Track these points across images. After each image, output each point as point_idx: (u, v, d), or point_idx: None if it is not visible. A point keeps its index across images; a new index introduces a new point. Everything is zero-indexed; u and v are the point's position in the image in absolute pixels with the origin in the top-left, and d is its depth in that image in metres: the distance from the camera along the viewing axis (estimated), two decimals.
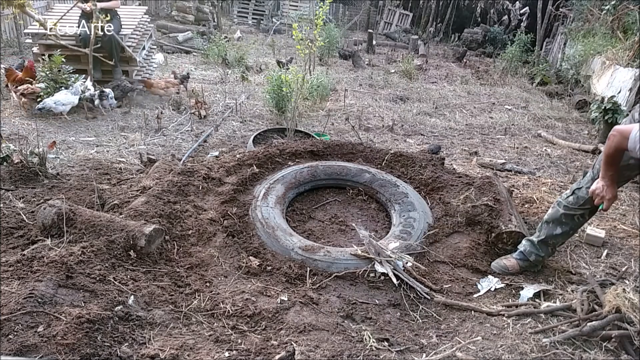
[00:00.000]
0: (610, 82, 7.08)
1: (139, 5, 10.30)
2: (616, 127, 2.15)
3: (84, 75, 5.39)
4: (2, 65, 5.47)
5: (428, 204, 3.31)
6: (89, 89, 5.23)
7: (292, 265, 2.58)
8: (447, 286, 2.59)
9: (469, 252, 2.84)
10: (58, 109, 4.87)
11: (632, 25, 7.98)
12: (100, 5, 5.51)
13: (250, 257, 2.66)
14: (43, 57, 5.13)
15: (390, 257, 2.55)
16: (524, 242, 2.78)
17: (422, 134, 5.90)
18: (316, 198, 3.53)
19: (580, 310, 2.25)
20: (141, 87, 6.02)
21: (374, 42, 12.29)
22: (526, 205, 3.67)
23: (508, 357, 2.02)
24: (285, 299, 2.31)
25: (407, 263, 2.58)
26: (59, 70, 5.04)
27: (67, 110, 4.94)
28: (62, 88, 5.02)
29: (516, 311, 2.34)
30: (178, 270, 2.51)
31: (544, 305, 2.39)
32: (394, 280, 2.46)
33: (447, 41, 14.72)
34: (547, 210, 2.79)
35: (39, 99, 4.89)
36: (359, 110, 6.62)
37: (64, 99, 4.90)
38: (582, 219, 2.63)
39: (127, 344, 1.91)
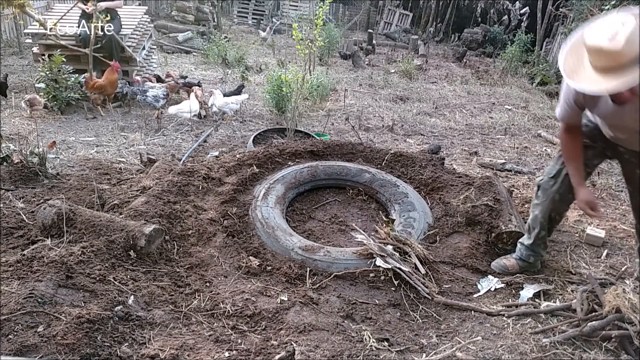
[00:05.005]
0: None
1: (139, 5, 10.29)
2: None
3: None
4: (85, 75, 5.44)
5: (428, 204, 3.31)
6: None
7: (292, 265, 2.58)
8: (447, 286, 2.59)
9: (469, 252, 2.84)
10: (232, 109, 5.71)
11: None
12: (103, 4, 5.51)
13: (250, 257, 2.66)
14: (43, 57, 5.13)
15: (394, 254, 2.55)
16: (518, 245, 2.78)
17: (422, 134, 5.89)
18: (316, 198, 3.53)
19: (580, 310, 2.25)
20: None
21: (374, 42, 12.29)
22: (526, 205, 3.66)
23: (508, 357, 2.02)
24: (285, 299, 2.31)
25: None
26: (59, 70, 5.04)
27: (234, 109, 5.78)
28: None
29: (516, 311, 2.34)
30: (178, 270, 2.51)
31: (544, 305, 2.39)
32: (403, 270, 2.43)
33: (447, 41, 14.73)
34: None
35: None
36: (359, 110, 6.62)
37: (232, 100, 5.74)
38: (561, 214, 2.66)
39: (127, 344, 1.91)
